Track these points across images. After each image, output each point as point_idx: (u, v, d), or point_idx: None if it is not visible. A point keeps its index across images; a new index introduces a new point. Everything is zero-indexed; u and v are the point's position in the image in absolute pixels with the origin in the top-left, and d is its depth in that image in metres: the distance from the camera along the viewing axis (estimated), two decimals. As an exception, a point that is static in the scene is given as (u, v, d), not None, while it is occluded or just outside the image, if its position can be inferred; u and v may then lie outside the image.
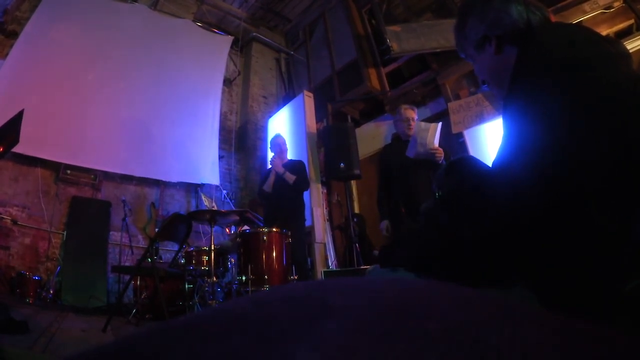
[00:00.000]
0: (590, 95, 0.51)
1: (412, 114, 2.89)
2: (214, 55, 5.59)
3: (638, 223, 0.42)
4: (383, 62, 4.93)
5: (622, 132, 0.47)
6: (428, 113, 4.55)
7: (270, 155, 3.64)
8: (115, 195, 4.34)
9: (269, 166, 3.50)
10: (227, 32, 5.96)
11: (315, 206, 4.28)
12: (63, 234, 3.89)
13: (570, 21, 3.42)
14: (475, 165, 1.13)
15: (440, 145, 2.64)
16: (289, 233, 2.86)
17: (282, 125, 5.09)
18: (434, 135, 2.63)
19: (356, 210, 5.10)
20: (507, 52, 0.73)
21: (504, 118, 0.61)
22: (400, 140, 2.96)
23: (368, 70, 4.81)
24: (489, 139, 3.65)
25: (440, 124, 2.69)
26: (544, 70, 0.56)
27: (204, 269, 2.90)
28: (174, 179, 4.70)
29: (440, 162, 2.63)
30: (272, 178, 3.39)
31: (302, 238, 3.32)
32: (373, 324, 0.21)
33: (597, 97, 0.50)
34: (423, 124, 2.72)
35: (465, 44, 0.82)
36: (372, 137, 4.95)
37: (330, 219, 4.81)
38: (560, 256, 0.46)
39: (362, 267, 3.34)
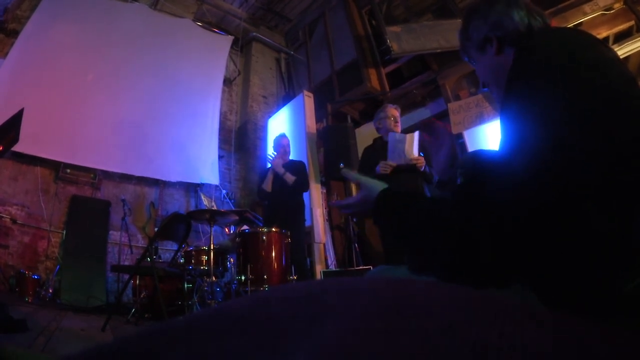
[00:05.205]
0: (587, 97, 0.51)
1: (397, 112, 2.91)
2: (214, 55, 5.59)
3: (638, 222, 0.42)
4: (383, 63, 4.93)
5: (619, 132, 0.47)
6: (428, 113, 4.55)
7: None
8: (115, 195, 4.33)
9: (269, 165, 3.48)
10: (227, 32, 5.96)
11: (315, 206, 4.27)
12: (62, 233, 3.88)
13: (570, 22, 3.42)
14: (489, 160, 1.11)
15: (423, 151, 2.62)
16: (289, 233, 2.86)
17: (282, 125, 5.08)
18: (412, 144, 2.59)
19: (356, 211, 5.09)
20: (507, 54, 0.75)
21: (501, 120, 0.61)
22: (383, 142, 2.89)
23: (368, 70, 4.81)
24: (489, 140, 3.65)
25: (417, 133, 2.63)
26: (541, 72, 0.57)
27: (203, 268, 2.90)
28: (174, 178, 4.69)
29: (422, 169, 2.63)
30: (270, 177, 3.38)
31: (302, 238, 3.32)
32: (373, 323, 0.21)
33: (594, 99, 0.51)
34: (398, 135, 2.66)
35: (468, 45, 0.85)
36: (371, 137, 4.92)
37: (330, 219, 4.80)
38: (560, 255, 0.46)
39: (361, 267, 3.35)
